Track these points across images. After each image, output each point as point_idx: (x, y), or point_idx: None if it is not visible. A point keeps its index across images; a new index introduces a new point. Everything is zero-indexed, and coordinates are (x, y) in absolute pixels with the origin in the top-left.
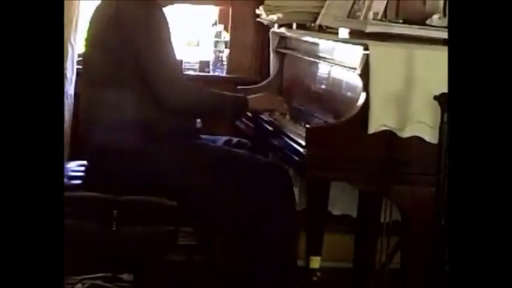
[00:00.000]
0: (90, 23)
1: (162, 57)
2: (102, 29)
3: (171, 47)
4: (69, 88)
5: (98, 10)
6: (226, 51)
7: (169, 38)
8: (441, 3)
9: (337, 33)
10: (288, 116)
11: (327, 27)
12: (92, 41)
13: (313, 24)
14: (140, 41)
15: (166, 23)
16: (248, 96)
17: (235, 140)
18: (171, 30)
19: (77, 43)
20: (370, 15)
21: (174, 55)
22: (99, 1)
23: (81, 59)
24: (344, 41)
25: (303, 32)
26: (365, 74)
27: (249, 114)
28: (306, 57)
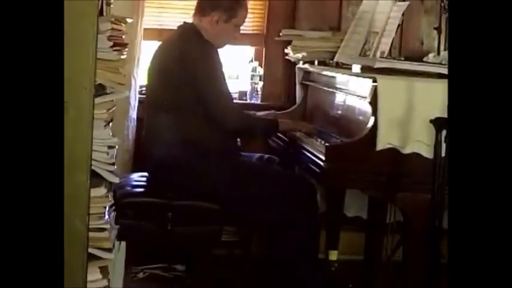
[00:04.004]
0: (154, 58)
1: (219, 89)
2: (167, 64)
3: (225, 80)
4: (133, 113)
5: (163, 48)
6: (261, 83)
7: (223, 72)
8: (436, 43)
9: (351, 69)
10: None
11: (342, 63)
12: (156, 73)
13: (331, 61)
14: (201, 76)
15: (220, 61)
16: (279, 120)
17: (266, 156)
18: (224, 66)
19: (138, 76)
20: (378, 54)
21: (227, 87)
22: (159, 42)
23: (142, 89)
24: (356, 74)
25: (323, 67)
26: (373, 102)
27: (280, 134)
28: (325, 88)
